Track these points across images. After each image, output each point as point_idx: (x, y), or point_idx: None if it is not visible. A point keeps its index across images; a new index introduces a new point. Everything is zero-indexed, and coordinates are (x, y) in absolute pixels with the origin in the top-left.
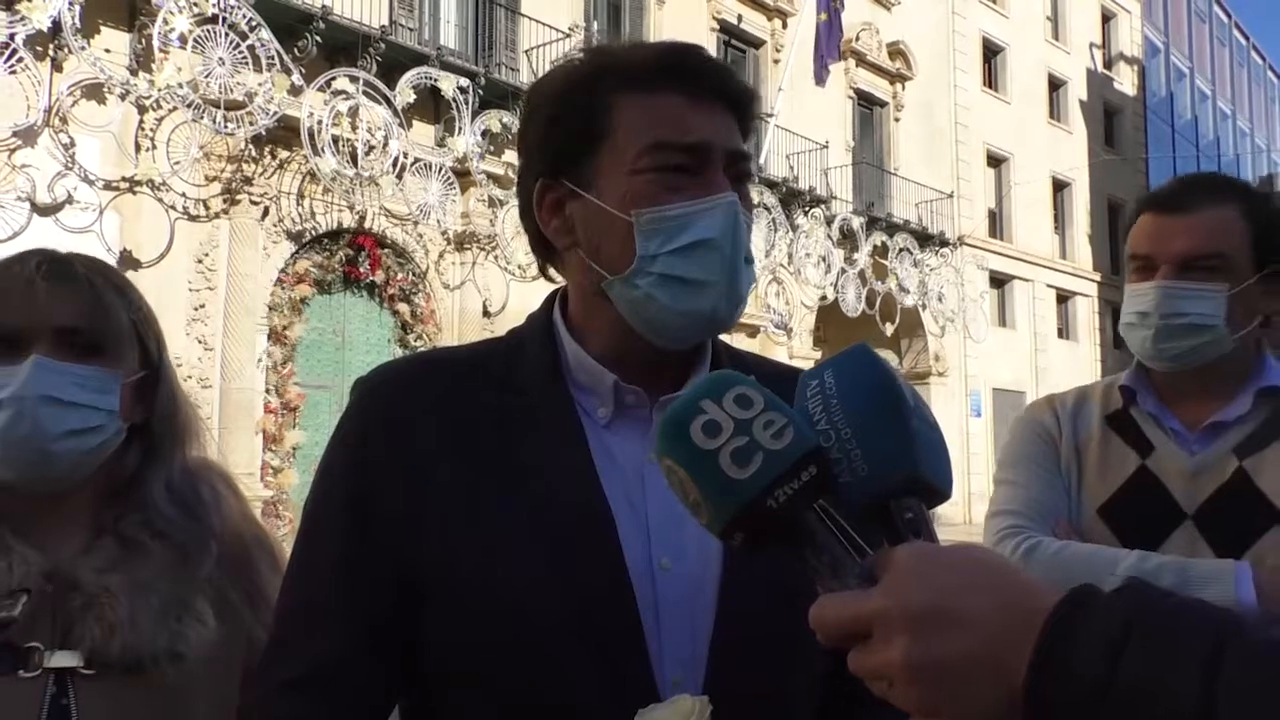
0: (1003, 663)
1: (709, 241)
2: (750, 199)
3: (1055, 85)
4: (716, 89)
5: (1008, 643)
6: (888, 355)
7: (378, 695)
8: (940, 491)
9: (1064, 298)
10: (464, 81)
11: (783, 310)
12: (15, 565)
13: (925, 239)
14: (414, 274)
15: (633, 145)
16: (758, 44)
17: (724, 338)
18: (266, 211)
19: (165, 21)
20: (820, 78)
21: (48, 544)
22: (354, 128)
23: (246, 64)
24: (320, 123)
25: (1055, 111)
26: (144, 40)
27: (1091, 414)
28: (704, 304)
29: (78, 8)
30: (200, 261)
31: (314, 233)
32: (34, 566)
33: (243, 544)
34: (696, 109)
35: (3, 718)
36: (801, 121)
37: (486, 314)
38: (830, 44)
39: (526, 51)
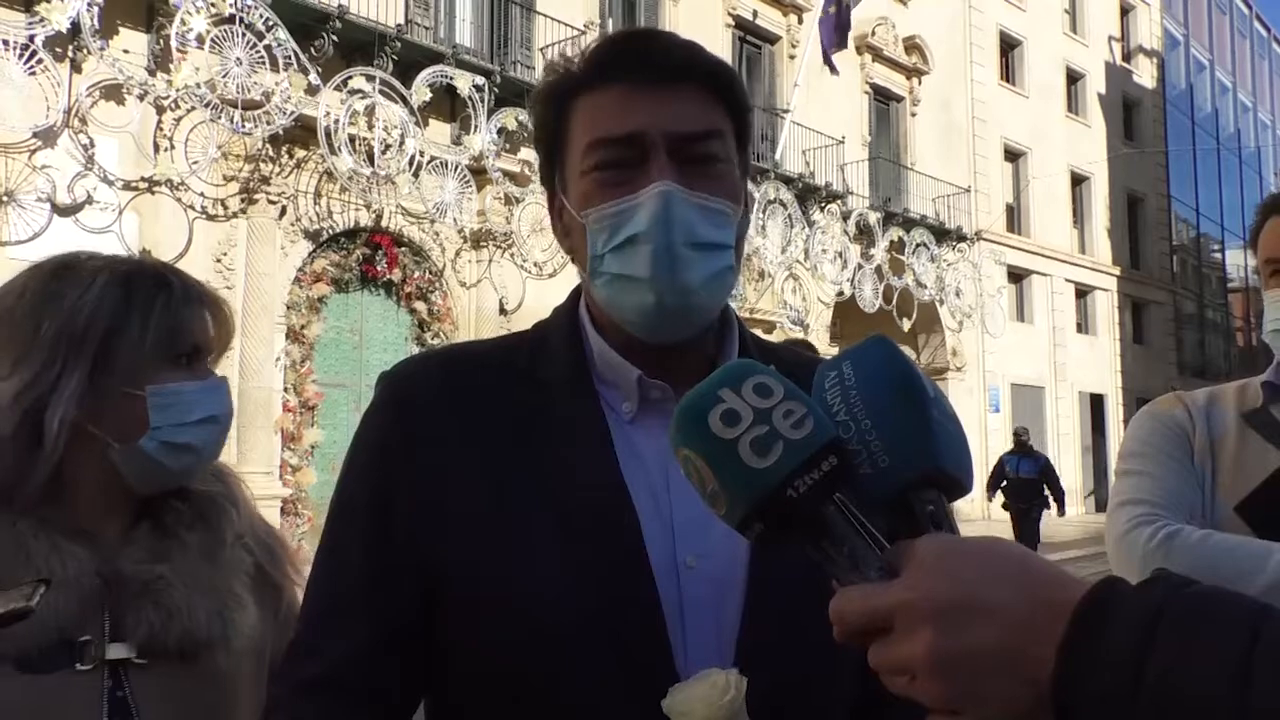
0: (1029, 655)
1: (636, 237)
2: (722, 176)
3: (1073, 78)
4: (662, 71)
5: (1034, 634)
6: (905, 351)
7: (399, 694)
8: (961, 483)
9: (1083, 292)
10: (479, 80)
11: (799, 306)
12: (68, 563)
13: (942, 234)
14: (430, 272)
15: (579, 146)
16: (773, 40)
17: None
18: (284, 211)
19: (183, 22)
20: (832, 66)
21: (96, 539)
22: (370, 127)
23: (263, 64)
24: (337, 122)
25: (1074, 105)
26: (162, 41)
27: (1226, 411)
28: (647, 299)
29: (96, 9)
30: (218, 261)
31: (331, 232)
32: (85, 563)
33: (260, 527)
34: (639, 97)
35: (66, 712)
36: (818, 117)
37: (503, 311)
38: (833, 32)
39: (542, 49)
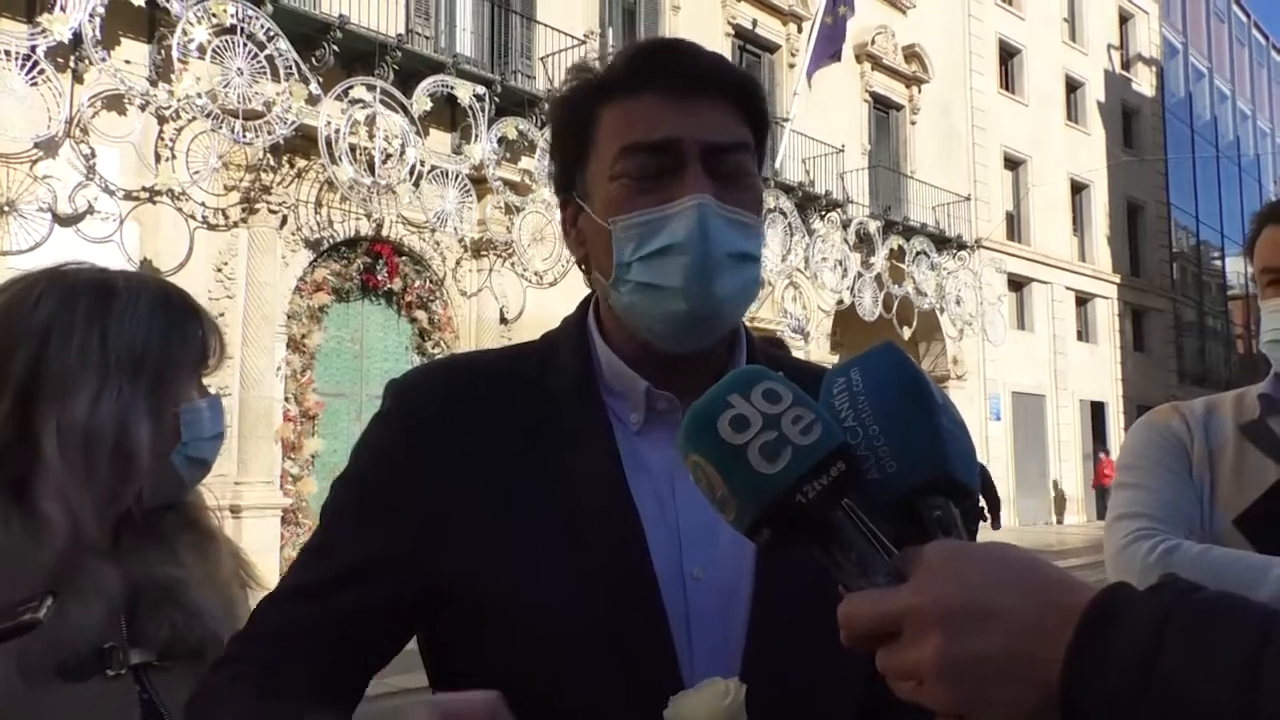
0: (1037, 659)
1: (672, 248)
2: (749, 188)
3: (1073, 87)
4: (695, 81)
5: (1043, 639)
6: None
7: (329, 683)
8: (968, 489)
9: (1083, 300)
10: (480, 89)
11: (800, 315)
12: (98, 574)
13: (942, 242)
14: (431, 281)
15: (609, 151)
16: (773, 49)
17: None
18: (285, 220)
19: (184, 32)
20: (810, 76)
21: (106, 550)
22: (371, 136)
23: (265, 74)
24: (338, 131)
25: (1073, 113)
26: (163, 51)
27: (1224, 422)
28: (679, 308)
29: (98, 19)
30: (219, 270)
31: (332, 241)
32: (113, 573)
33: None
34: (672, 105)
35: (103, 718)
36: (817, 125)
37: (504, 320)
38: (828, 46)
39: (542, 59)
